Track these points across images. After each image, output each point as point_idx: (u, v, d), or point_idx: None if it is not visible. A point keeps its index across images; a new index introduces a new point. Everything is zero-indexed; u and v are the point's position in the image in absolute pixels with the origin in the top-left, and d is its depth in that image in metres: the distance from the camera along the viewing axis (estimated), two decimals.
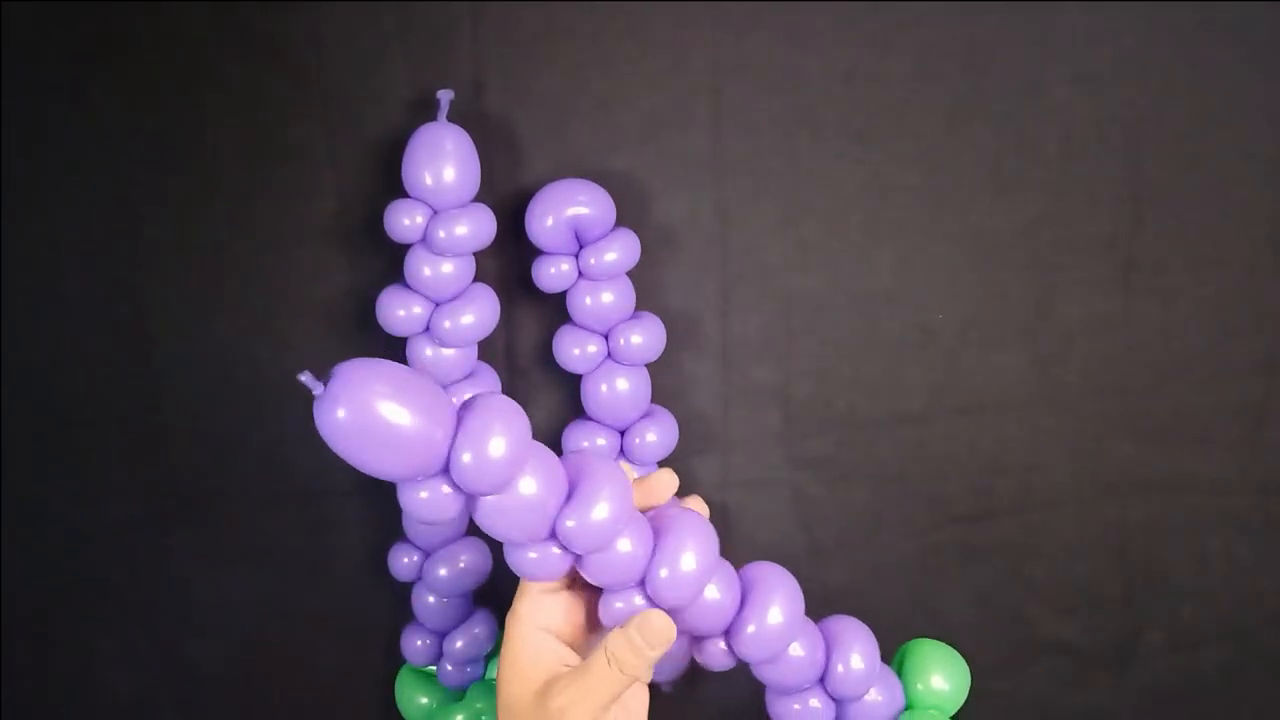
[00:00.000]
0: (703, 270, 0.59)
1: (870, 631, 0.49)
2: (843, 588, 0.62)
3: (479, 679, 0.62)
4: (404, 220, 0.53)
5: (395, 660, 0.63)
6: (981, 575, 0.63)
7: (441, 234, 0.53)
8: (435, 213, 0.54)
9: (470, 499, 0.39)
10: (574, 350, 0.57)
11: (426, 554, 0.59)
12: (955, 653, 0.53)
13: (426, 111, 0.55)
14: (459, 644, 0.60)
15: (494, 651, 0.62)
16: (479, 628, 0.60)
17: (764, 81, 0.57)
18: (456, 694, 0.61)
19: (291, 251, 0.60)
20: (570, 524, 0.40)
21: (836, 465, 0.62)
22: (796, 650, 0.47)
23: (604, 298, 0.55)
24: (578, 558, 0.42)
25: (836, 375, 0.61)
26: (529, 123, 0.57)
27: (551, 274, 0.56)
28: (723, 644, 0.46)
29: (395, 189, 0.54)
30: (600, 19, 0.56)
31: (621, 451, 0.58)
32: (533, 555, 0.42)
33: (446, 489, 0.39)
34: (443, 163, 0.53)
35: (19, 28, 0.57)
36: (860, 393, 0.61)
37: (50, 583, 0.65)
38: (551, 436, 0.61)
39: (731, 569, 0.46)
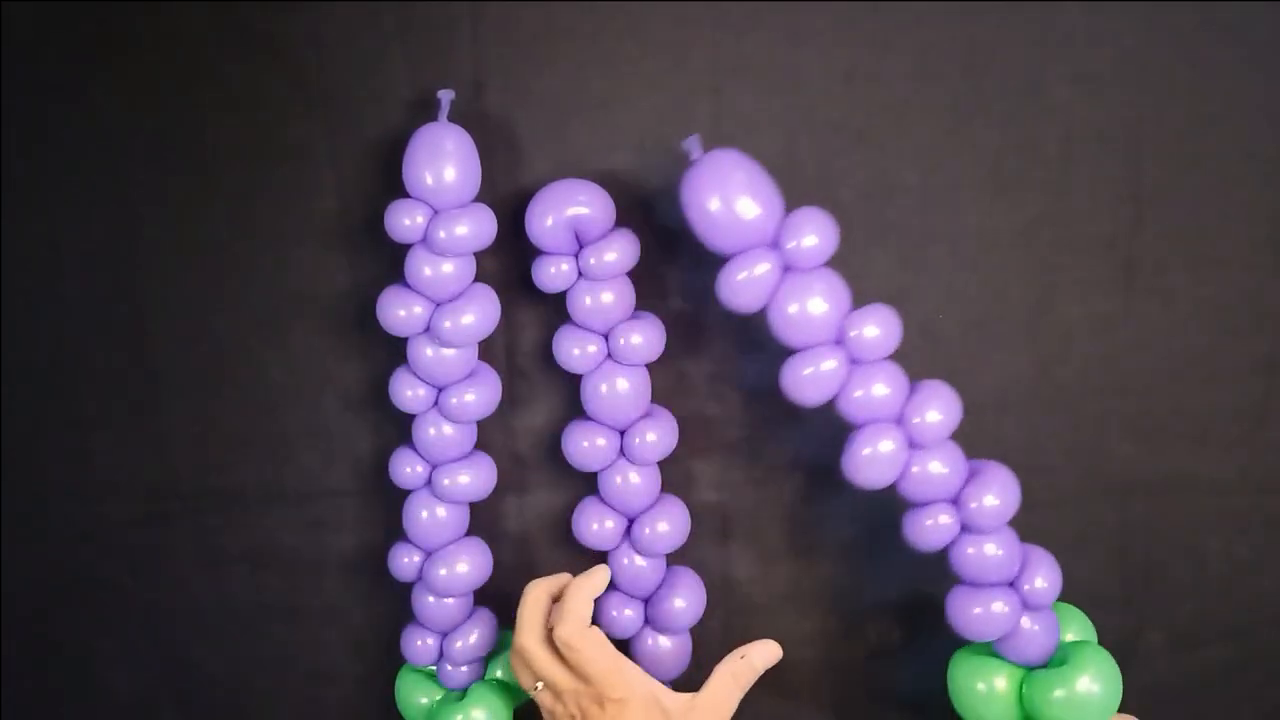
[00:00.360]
0: (703, 270, 0.59)
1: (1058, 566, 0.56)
2: (844, 587, 0.62)
3: (479, 679, 0.62)
4: (404, 220, 0.53)
5: (395, 660, 0.63)
6: None
7: (442, 234, 0.53)
8: (436, 213, 0.54)
9: (787, 276, 0.50)
10: (574, 350, 0.57)
11: (427, 554, 0.59)
12: (1085, 616, 0.59)
13: (427, 111, 0.55)
14: (459, 644, 0.60)
15: (495, 652, 0.62)
16: (479, 628, 0.60)
17: (764, 81, 0.57)
18: (457, 694, 0.61)
19: (291, 251, 0.60)
20: (854, 334, 0.51)
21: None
22: (994, 549, 0.53)
23: (604, 298, 0.55)
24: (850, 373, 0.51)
25: None
26: (529, 123, 0.57)
27: (551, 274, 0.56)
28: (944, 516, 0.53)
29: (395, 189, 0.54)
30: (600, 19, 0.56)
31: (622, 452, 0.58)
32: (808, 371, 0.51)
33: (767, 265, 0.50)
34: (443, 163, 0.53)
35: (19, 28, 0.57)
36: None
37: (50, 583, 0.65)
38: (551, 437, 0.61)
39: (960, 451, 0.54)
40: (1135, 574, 0.63)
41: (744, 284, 0.50)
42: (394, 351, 0.58)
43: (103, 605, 0.65)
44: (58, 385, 0.62)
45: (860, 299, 0.60)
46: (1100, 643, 0.63)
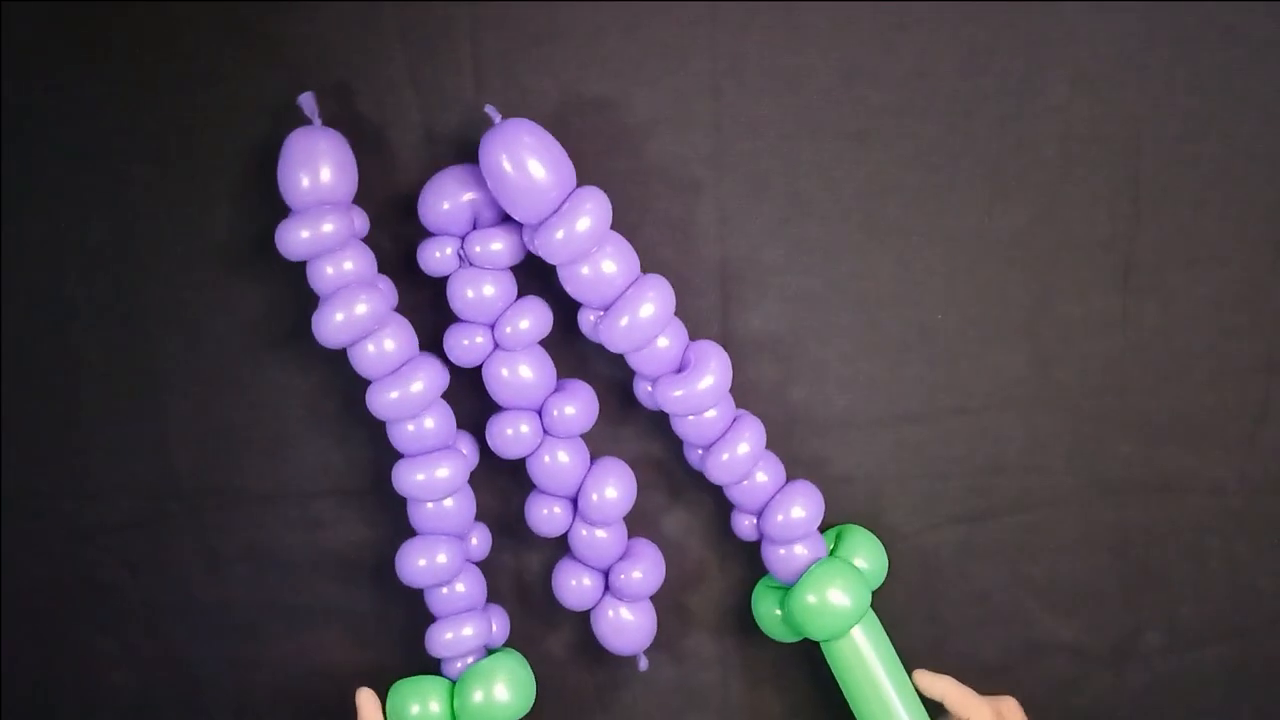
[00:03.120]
0: (703, 270, 0.59)
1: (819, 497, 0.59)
2: None
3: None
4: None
5: (396, 659, 0.63)
6: (981, 575, 0.63)
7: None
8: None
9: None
10: (463, 341, 0.57)
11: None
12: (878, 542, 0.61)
13: (428, 112, 0.55)
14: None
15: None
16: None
17: (764, 81, 0.57)
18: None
19: None
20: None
21: (836, 465, 0.62)
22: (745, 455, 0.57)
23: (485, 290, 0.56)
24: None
25: (836, 375, 0.61)
26: None
27: (436, 258, 0.56)
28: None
29: (395, 188, 0.54)
30: (600, 19, 0.56)
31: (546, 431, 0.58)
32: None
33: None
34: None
35: (19, 28, 0.57)
36: (860, 393, 0.61)
37: (50, 583, 0.65)
38: None
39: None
40: (1135, 574, 0.63)
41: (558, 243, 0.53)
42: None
43: (103, 605, 0.65)
44: (58, 385, 0.62)
45: (860, 299, 0.60)
46: (1100, 643, 0.63)
